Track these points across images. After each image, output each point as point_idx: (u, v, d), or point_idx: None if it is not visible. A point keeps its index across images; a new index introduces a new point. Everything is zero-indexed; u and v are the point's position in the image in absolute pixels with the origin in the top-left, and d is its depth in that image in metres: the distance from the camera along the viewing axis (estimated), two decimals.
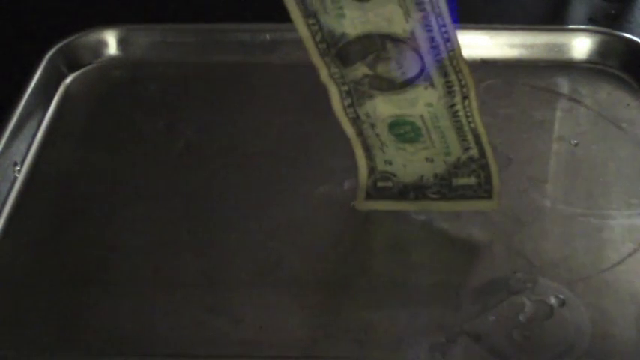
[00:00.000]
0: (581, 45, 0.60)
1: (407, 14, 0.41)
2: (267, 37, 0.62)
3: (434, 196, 0.48)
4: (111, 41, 0.62)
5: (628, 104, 0.57)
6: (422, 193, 0.48)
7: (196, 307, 0.45)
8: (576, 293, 0.45)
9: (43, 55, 0.59)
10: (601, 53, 0.60)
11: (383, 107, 0.45)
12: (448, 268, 0.47)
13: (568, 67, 0.60)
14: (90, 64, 0.62)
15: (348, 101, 0.46)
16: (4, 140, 0.52)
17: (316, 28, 0.43)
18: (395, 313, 0.45)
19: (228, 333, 0.44)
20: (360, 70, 0.44)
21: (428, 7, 0.40)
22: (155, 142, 0.55)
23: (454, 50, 0.42)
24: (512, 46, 0.61)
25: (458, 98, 0.44)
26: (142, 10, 0.68)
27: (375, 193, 0.49)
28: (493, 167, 0.46)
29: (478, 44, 0.60)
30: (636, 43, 0.59)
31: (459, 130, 0.45)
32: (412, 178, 0.48)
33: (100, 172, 0.53)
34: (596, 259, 0.47)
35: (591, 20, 0.67)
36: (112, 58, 0.62)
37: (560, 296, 0.45)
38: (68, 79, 0.60)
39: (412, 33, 0.41)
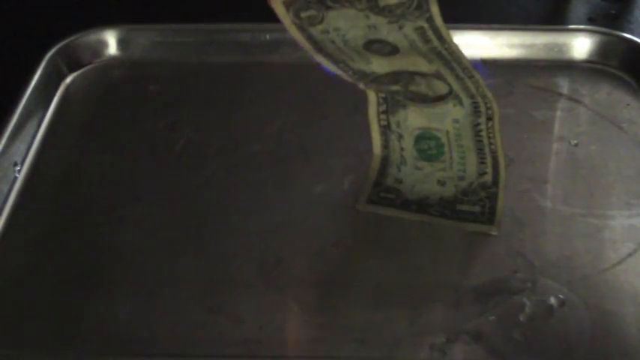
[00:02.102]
0: (581, 45, 0.60)
1: (430, 62, 0.42)
2: (267, 37, 0.62)
3: (435, 214, 0.48)
4: (111, 41, 0.62)
5: (628, 104, 0.57)
6: (424, 208, 0.49)
7: (196, 307, 0.45)
8: (576, 293, 0.45)
9: (43, 55, 0.59)
10: (601, 53, 0.60)
11: (413, 118, 0.46)
12: (448, 268, 0.47)
13: (568, 67, 0.60)
14: (90, 64, 0.62)
15: (383, 107, 0.47)
16: (4, 140, 0.52)
17: (346, 68, 0.44)
18: (395, 313, 0.45)
19: (228, 333, 0.44)
20: (394, 88, 0.45)
21: (447, 57, 0.42)
22: (155, 142, 0.55)
23: (478, 82, 0.43)
24: (511, 46, 0.61)
25: (482, 119, 0.45)
26: (142, 10, 0.68)
27: (377, 199, 0.49)
28: (500, 200, 0.48)
29: (478, 44, 0.60)
30: (636, 43, 0.59)
31: (480, 151, 0.46)
32: (417, 197, 0.49)
33: (100, 172, 0.53)
34: (596, 259, 0.47)
35: (591, 20, 0.67)
36: (112, 58, 0.62)
37: (560, 296, 0.45)
38: (68, 79, 0.61)
39: (437, 71, 0.43)
